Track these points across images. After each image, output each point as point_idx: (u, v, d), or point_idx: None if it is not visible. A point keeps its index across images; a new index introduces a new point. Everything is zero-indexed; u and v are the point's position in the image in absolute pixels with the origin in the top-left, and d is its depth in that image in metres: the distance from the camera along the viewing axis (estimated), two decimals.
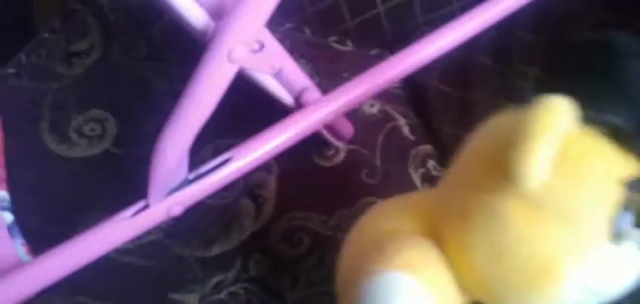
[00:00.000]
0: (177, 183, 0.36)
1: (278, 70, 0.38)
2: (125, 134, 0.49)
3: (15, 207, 0.37)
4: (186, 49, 0.56)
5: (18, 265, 0.33)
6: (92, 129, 0.49)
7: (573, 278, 0.23)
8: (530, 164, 0.21)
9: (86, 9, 0.56)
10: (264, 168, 0.47)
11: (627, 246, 0.23)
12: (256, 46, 0.32)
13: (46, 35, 0.54)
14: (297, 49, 0.53)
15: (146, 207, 0.36)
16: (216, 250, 0.44)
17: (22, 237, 0.35)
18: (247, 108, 0.43)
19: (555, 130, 0.22)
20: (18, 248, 0.34)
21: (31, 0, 0.82)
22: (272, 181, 0.48)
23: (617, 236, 0.23)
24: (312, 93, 0.43)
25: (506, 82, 0.57)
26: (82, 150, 0.47)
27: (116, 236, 0.35)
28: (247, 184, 0.47)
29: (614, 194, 0.23)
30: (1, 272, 0.33)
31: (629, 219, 0.23)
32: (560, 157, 0.22)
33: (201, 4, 0.31)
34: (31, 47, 0.53)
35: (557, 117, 0.22)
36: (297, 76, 0.42)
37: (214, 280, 0.43)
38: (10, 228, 0.35)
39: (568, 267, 0.23)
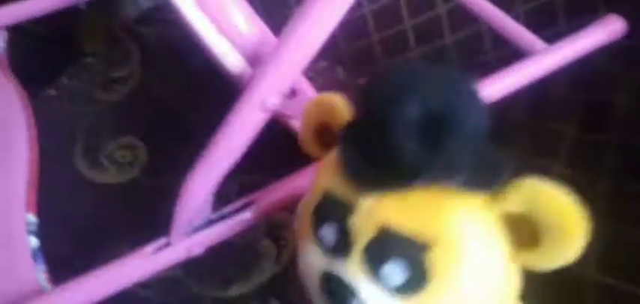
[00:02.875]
0: (200, 222, 0.35)
1: None
2: (155, 163, 0.49)
3: (41, 233, 0.37)
4: (222, 83, 0.57)
5: (38, 293, 0.33)
6: (123, 156, 0.49)
7: None
8: None
9: (129, 37, 0.58)
10: (286, 208, 0.46)
11: None
12: (288, 93, 0.32)
13: (90, 60, 0.56)
14: (328, 88, 0.53)
15: (167, 244, 0.35)
16: (234, 291, 0.43)
17: (45, 264, 0.35)
18: (272, 144, 0.43)
19: None
20: (40, 275, 0.34)
21: (80, 21, 0.85)
22: (294, 222, 0.47)
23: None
24: None
25: (539, 139, 0.55)
26: (111, 176, 0.48)
27: (136, 272, 0.34)
28: (269, 223, 0.46)
29: None
30: (21, 298, 0.33)
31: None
32: None
33: (239, 51, 0.31)
34: (74, 71, 0.54)
35: None
36: None
37: None
38: (34, 254, 0.35)
39: None
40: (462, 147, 0.21)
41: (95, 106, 0.52)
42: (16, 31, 0.51)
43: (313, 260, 0.24)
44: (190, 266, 0.43)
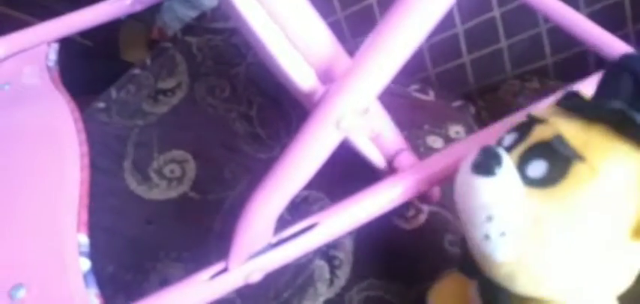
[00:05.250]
0: (259, 247, 0.33)
1: (377, 133, 0.34)
2: (203, 177, 0.47)
3: (92, 250, 0.36)
4: (268, 93, 0.55)
5: None
6: (172, 171, 0.48)
7: None
8: None
9: (175, 47, 0.57)
10: None
11: None
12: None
13: (137, 71, 0.55)
14: (376, 98, 0.51)
15: (225, 270, 0.33)
16: None
17: (97, 287, 0.33)
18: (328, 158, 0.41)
19: None
20: (92, 299, 0.32)
21: (117, 29, 0.86)
22: (348, 242, 0.45)
23: None
24: (407, 157, 0.39)
25: None
26: (160, 192, 0.46)
27: (192, 299, 0.32)
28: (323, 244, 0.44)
29: None
30: None
31: None
32: None
33: (310, 65, 0.29)
34: (122, 82, 0.54)
35: None
36: (394, 137, 0.38)
37: None
38: (85, 277, 0.33)
39: None
40: None
41: (144, 119, 0.51)
42: (63, 43, 0.50)
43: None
44: (243, 289, 0.41)
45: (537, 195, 0.25)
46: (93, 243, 0.37)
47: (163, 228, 0.44)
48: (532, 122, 0.28)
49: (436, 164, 0.38)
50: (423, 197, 0.45)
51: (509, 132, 0.29)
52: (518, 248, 0.26)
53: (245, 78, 0.55)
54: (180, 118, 0.51)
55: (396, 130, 0.39)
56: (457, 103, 0.58)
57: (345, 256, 0.44)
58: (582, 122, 0.26)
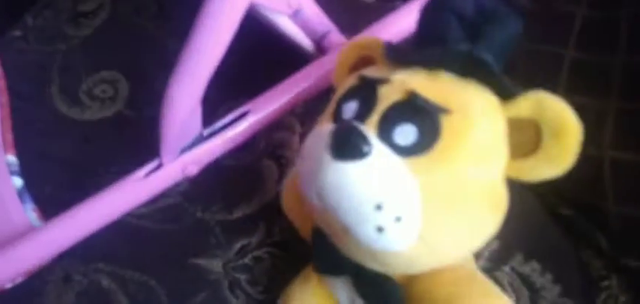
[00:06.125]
0: (190, 140, 0.33)
1: (296, 10, 0.34)
2: (137, 95, 0.46)
3: (26, 174, 0.35)
4: (198, 7, 0.53)
5: (29, 231, 0.31)
6: (103, 91, 0.46)
7: None
8: None
9: None
10: (286, 126, 0.43)
11: None
12: None
13: None
14: None
15: (159, 166, 0.33)
16: (238, 213, 0.42)
17: (33, 202, 0.33)
18: (266, 67, 0.40)
19: None
20: (29, 213, 0.32)
21: None
22: (295, 141, 0.45)
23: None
24: (335, 36, 0.39)
25: (548, 29, 0.52)
26: (93, 112, 0.45)
27: (130, 198, 0.33)
28: (269, 144, 0.44)
29: None
30: (13, 238, 0.31)
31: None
32: None
33: None
34: (37, 9, 0.50)
35: None
36: (318, 18, 0.38)
37: (238, 245, 0.40)
38: (20, 193, 0.33)
39: None
40: (499, 42, 0.23)
41: (66, 43, 0.49)
42: None
43: (325, 129, 0.24)
44: (191, 193, 0.41)
45: (417, 163, 0.22)
46: (26, 168, 0.37)
47: (101, 147, 0.43)
48: (370, 84, 0.24)
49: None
50: None
51: (345, 100, 0.25)
52: (416, 228, 0.22)
53: None
54: (106, 39, 0.49)
55: (321, 11, 0.39)
56: (399, 3, 0.58)
57: (291, 154, 0.45)
58: (424, 73, 0.24)
